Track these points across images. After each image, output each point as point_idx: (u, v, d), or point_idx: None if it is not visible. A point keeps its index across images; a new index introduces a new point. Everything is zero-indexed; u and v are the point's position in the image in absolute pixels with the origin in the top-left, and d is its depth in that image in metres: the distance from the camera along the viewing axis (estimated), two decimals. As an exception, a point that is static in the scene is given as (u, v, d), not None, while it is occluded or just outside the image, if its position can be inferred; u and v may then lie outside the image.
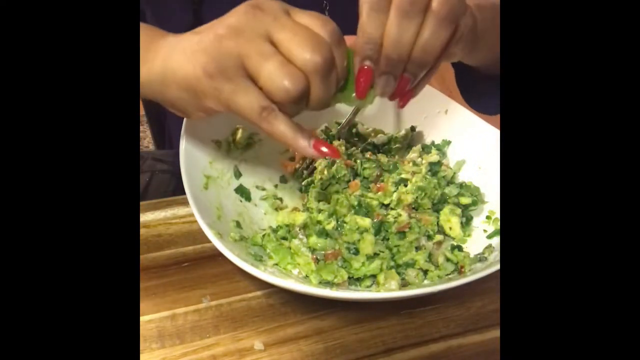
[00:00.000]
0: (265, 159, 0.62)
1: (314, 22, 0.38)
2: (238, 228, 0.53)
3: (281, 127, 0.39)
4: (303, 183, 0.61)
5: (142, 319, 0.48)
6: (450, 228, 0.55)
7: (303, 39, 0.37)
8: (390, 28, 0.38)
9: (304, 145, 0.40)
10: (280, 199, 0.60)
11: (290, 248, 0.52)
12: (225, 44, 0.37)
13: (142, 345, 0.46)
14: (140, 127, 1.58)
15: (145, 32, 0.46)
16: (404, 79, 0.42)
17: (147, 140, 1.68)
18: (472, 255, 0.52)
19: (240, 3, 0.40)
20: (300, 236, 0.53)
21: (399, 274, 0.51)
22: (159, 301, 0.50)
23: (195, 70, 0.39)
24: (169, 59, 0.41)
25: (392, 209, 0.56)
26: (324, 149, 0.41)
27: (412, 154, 0.63)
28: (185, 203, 0.56)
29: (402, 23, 0.38)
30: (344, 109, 0.64)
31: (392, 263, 0.52)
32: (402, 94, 0.44)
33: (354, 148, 0.63)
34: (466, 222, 0.57)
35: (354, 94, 0.42)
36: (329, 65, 0.38)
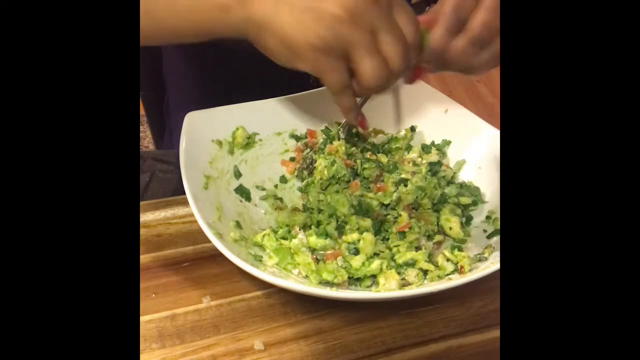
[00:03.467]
0: (265, 159, 0.62)
1: (406, 23, 0.45)
2: (238, 228, 0.53)
3: (347, 102, 0.49)
4: (303, 183, 0.61)
5: (142, 319, 0.48)
6: (450, 228, 0.55)
7: (400, 47, 0.44)
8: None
9: (354, 117, 0.52)
10: (280, 199, 0.60)
11: (290, 248, 0.52)
12: (340, 29, 0.42)
13: (142, 345, 0.46)
14: (140, 127, 1.57)
15: None
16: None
17: (147, 140, 1.67)
18: (472, 255, 0.52)
19: None
20: (300, 236, 0.53)
21: (399, 274, 0.51)
22: (159, 301, 0.50)
23: (304, 38, 0.43)
24: (275, 12, 0.44)
25: (392, 209, 0.56)
26: (362, 124, 0.54)
27: (412, 154, 0.63)
28: (185, 203, 0.56)
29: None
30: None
31: (392, 263, 0.52)
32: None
33: (354, 148, 0.63)
34: (466, 222, 0.57)
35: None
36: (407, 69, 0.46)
